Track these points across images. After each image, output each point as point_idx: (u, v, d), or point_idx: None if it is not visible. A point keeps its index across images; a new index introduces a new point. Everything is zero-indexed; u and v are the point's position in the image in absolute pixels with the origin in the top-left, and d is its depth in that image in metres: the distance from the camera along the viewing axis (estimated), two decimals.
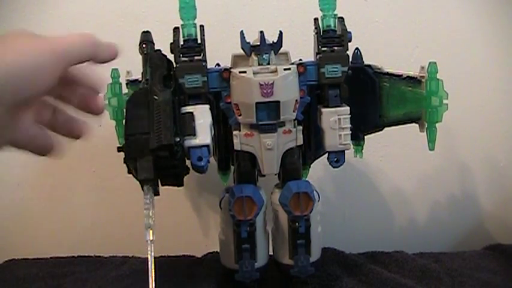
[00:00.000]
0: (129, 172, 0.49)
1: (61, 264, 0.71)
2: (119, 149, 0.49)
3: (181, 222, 0.79)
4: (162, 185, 0.50)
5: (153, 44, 0.55)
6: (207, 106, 0.52)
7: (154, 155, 0.47)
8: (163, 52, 0.54)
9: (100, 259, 0.73)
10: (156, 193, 0.48)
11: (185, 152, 0.49)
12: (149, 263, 0.46)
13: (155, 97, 0.50)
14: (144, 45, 0.54)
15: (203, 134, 0.50)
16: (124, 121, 0.50)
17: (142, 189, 0.47)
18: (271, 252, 0.59)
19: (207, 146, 0.50)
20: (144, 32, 0.55)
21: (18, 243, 0.78)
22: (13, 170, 0.76)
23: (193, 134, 0.50)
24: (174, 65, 0.53)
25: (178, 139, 0.48)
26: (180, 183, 0.51)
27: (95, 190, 0.77)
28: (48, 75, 0.40)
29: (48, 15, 0.74)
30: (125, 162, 0.48)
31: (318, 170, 0.65)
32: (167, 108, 0.49)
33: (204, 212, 0.79)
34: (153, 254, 0.46)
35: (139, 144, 0.47)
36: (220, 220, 0.58)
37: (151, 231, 0.47)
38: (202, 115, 0.51)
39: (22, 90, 0.39)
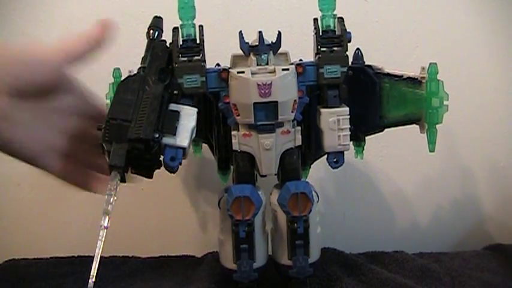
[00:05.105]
0: (103, 153, 0.50)
1: (61, 264, 0.71)
2: (99, 128, 0.50)
3: (181, 222, 0.79)
4: (132, 173, 0.51)
5: (162, 31, 0.55)
6: (195, 110, 0.52)
7: (130, 144, 0.48)
8: (167, 44, 0.54)
9: (100, 259, 0.73)
10: (123, 180, 0.49)
11: (161, 148, 0.50)
12: (97, 248, 0.47)
13: (147, 87, 0.50)
14: (151, 30, 0.54)
15: (183, 135, 0.50)
16: (111, 102, 0.50)
17: (110, 173, 0.48)
18: (270, 253, 0.59)
19: (183, 148, 0.50)
20: (156, 16, 0.55)
21: (18, 243, 0.78)
22: (13, 170, 0.76)
23: (173, 133, 0.50)
24: (174, 65, 0.53)
25: (157, 135, 0.48)
26: (149, 176, 0.52)
27: None
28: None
29: (48, 15, 0.74)
30: (100, 142, 0.49)
31: (318, 170, 0.64)
32: (155, 102, 0.49)
33: (204, 211, 0.79)
34: (103, 239, 0.47)
35: (118, 130, 0.48)
36: (219, 220, 0.58)
37: (107, 218, 0.48)
38: (187, 117, 0.51)
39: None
